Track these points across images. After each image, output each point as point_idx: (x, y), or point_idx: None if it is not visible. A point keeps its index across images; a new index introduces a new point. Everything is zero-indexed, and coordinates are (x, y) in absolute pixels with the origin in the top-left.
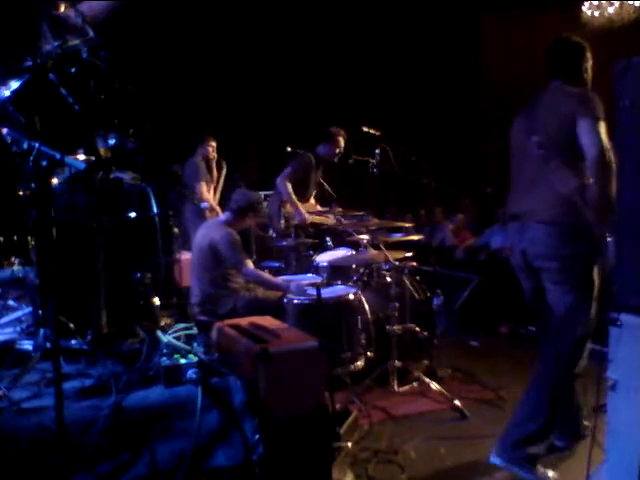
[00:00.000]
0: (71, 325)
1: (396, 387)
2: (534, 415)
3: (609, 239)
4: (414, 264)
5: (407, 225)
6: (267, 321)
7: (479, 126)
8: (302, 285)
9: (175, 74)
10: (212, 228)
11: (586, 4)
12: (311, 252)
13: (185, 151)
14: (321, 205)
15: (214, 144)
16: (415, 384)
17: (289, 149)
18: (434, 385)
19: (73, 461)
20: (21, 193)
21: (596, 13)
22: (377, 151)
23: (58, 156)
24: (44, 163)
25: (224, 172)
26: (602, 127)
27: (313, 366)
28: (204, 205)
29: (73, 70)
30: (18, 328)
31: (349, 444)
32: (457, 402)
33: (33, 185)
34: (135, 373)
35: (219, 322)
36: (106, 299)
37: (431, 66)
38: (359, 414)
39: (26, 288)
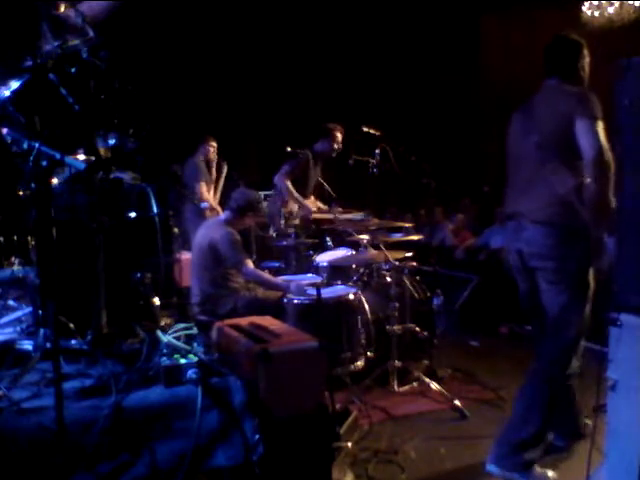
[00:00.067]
0: (71, 325)
1: (396, 387)
2: (529, 415)
3: (607, 239)
4: (414, 264)
5: (407, 225)
6: (267, 321)
7: (479, 126)
8: (302, 285)
9: (175, 74)
10: (212, 227)
11: (586, 4)
12: (311, 252)
13: (185, 151)
14: (321, 203)
15: (215, 144)
16: (415, 384)
17: (289, 149)
18: (434, 385)
19: (73, 461)
20: (21, 193)
21: (596, 13)
22: (377, 151)
23: (58, 156)
24: (44, 163)
25: (224, 172)
26: (600, 127)
27: (313, 366)
28: (204, 205)
29: (73, 70)
30: (18, 328)
31: (349, 444)
32: (457, 402)
33: (33, 185)
34: (135, 373)
35: (219, 322)
36: (106, 299)
37: (431, 66)
38: (359, 414)
39: (26, 288)
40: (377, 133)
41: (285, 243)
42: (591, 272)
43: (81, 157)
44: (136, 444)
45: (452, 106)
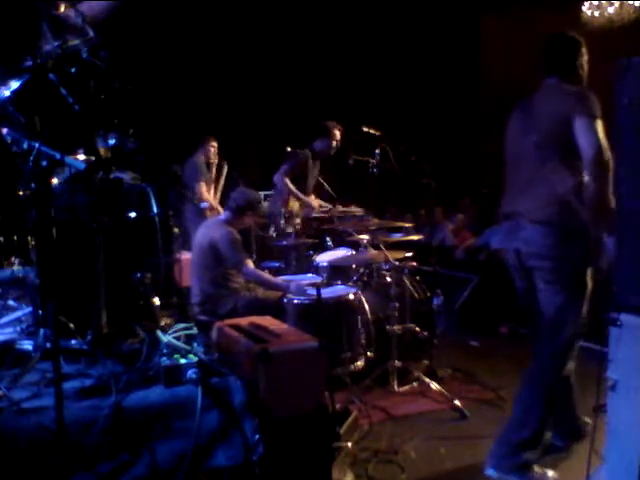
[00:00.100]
0: (71, 325)
1: (396, 387)
2: (527, 417)
3: (607, 239)
4: (414, 264)
5: (407, 225)
6: (267, 321)
7: (479, 126)
8: (302, 285)
9: (175, 74)
10: (212, 227)
11: (586, 4)
12: (311, 252)
13: (185, 151)
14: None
15: (215, 144)
16: (415, 384)
17: (289, 149)
18: (434, 385)
19: (73, 461)
20: (21, 193)
21: (596, 13)
22: (377, 151)
23: (58, 156)
24: (44, 163)
25: (225, 172)
26: (599, 126)
27: (313, 366)
28: (204, 205)
29: (73, 70)
30: (18, 328)
31: (349, 444)
32: (457, 402)
33: (33, 185)
34: (135, 373)
35: (219, 322)
36: (106, 299)
37: (431, 66)
38: (359, 414)
39: (26, 288)
40: (377, 133)
41: (285, 243)
42: (589, 272)
43: (81, 157)
44: (136, 444)
45: (452, 106)
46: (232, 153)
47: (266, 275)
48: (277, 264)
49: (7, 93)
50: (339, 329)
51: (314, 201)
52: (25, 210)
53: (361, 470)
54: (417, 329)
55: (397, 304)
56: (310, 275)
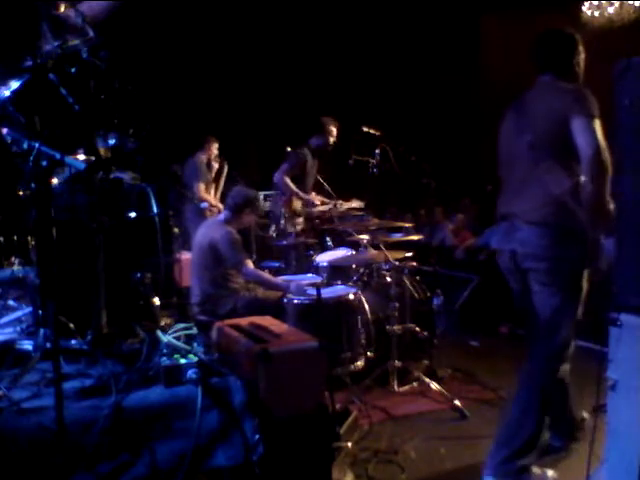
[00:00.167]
0: (71, 325)
1: (396, 387)
2: (525, 416)
3: (605, 240)
4: (414, 264)
5: (407, 225)
6: (267, 321)
7: (479, 126)
8: (302, 285)
9: (175, 74)
10: (212, 227)
11: (586, 4)
12: (311, 252)
13: (185, 151)
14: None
15: (216, 145)
16: (415, 384)
17: (289, 149)
18: (434, 385)
19: (73, 461)
20: (21, 193)
21: (596, 13)
22: (377, 151)
23: (58, 156)
24: (44, 163)
25: (225, 172)
26: (597, 125)
27: (313, 366)
28: (204, 205)
29: (73, 70)
30: (18, 328)
31: (349, 444)
32: (457, 402)
33: (33, 185)
34: (135, 373)
35: (219, 322)
36: (106, 299)
37: (431, 66)
38: (359, 414)
39: (26, 288)
40: (377, 133)
41: (285, 243)
42: (585, 274)
43: (81, 157)
44: (136, 444)
45: (452, 106)
46: (232, 153)
47: (266, 275)
48: (277, 264)
49: (7, 93)
50: (339, 329)
51: (314, 198)
52: (25, 210)
53: (361, 470)
54: (417, 329)
55: (397, 304)
56: (310, 275)
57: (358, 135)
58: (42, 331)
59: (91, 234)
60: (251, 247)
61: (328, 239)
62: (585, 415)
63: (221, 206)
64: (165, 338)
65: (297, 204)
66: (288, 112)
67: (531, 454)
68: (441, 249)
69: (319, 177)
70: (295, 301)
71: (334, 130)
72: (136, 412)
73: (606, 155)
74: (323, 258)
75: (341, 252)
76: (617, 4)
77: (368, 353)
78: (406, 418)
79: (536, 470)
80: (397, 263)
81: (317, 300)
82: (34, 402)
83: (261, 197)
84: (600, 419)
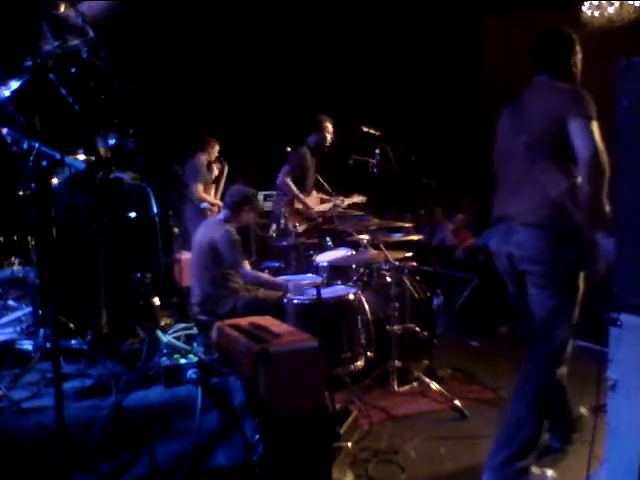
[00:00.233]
0: (71, 325)
1: (396, 387)
2: (523, 420)
3: (605, 240)
4: (414, 264)
5: (407, 225)
6: (267, 321)
7: (479, 126)
8: (300, 284)
9: (175, 74)
10: (212, 227)
11: (586, 4)
12: (311, 252)
13: (185, 151)
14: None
15: (217, 147)
16: (415, 384)
17: (289, 149)
18: (434, 385)
19: (73, 461)
20: (21, 193)
21: (596, 13)
22: (377, 151)
23: (58, 156)
24: (44, 163)
25: (225, 172)
26: (595, 127)
27: (313, 366)
28: (204, 205)
29: (73, 70)
30: (18, 328)
31: (349, 444)
32: (457, 402)
33: (33, 185)
34: (135, 373)
35: (219, 322)
36: (106, 299)
37: (431, 66)
38: (359, 414)
39: (26, 288)
40: (377, 133)
41: (285, 243)
42: (581, 276)
43: (81, 157)
44: (136, 444)
45: (452, 106)
46: (232, 153)
47: (264, 276)
48: (277, 264)
49: (7, 93)
50: (339, 329)
51: (316, 196)
52: (25, 210)
53: (361, 470)
54: (417, 329)
55: (397, 304)
56: (310, 275)
57: (358, 135)
58: (42, 331)
59: (91, 234)
60: (251, 247)
61: (328, 239)
62: (583, 411)
63: (221, 204)
64: (165, 338)
65: (299, 204)
66: (288, 112)
67: (530, 455)
68: (441, 249)
69: (319, 177)
70: (295, 301)
71: (330, 126)
72: (136, 412)
73: (604, 157)
74: (323, 258)
75: (341, 252)
76: (617, 4)
77: (368, 353)
78: (406, 418)
79: (536, 470)
80: (397, 263)
81: (317, 300)
82: (34, 402)
83: (261, 197)
84: (600, 419)
